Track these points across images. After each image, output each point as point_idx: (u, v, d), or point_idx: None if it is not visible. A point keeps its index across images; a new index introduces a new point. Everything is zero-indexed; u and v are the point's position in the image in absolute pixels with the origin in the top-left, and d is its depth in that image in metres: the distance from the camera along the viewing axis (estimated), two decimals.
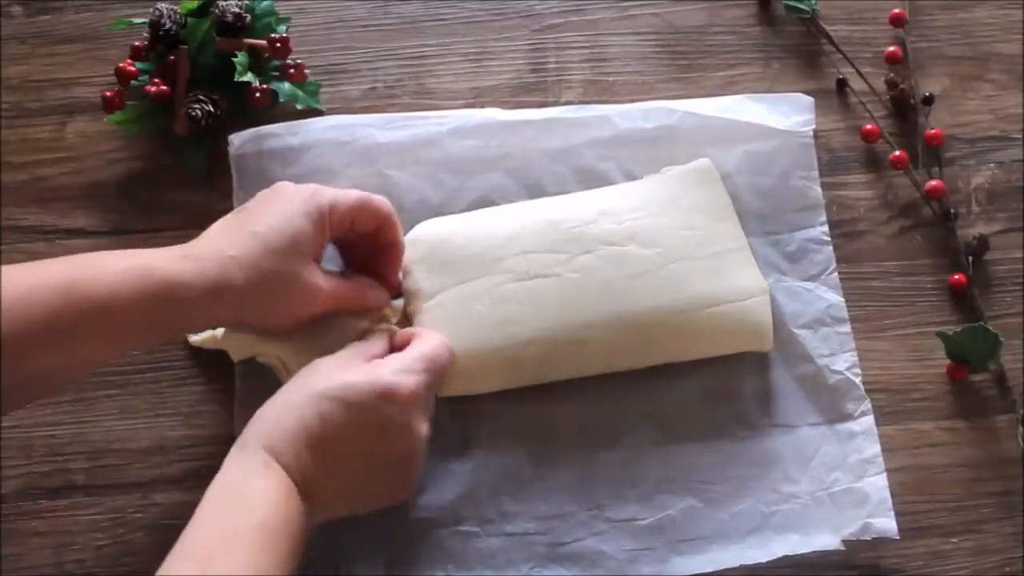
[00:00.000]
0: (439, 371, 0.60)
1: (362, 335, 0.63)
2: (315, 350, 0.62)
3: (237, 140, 0.69)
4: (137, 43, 0.72)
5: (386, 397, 0.55)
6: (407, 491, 0.59)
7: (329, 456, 0.54)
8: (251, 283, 0.55)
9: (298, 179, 0.68)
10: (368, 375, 0.56)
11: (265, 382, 0.64)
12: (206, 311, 0.55)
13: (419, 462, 0.58)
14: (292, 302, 0.58)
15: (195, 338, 0.65)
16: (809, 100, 0.71)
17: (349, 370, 0.56)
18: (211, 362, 0.66)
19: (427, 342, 0.60)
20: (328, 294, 0.59)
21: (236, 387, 0.65)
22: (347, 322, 0.63)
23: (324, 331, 0.63)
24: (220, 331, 0.64)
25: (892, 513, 0.62)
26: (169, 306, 0.53)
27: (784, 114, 0.71)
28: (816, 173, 0.70)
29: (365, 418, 0.55)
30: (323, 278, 0.59)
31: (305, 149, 0.69)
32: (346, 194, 0.60)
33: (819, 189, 0.70)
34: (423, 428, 0.57)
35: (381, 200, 0.62)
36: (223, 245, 0.56)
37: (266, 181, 0.68)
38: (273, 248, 0.56)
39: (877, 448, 0.64)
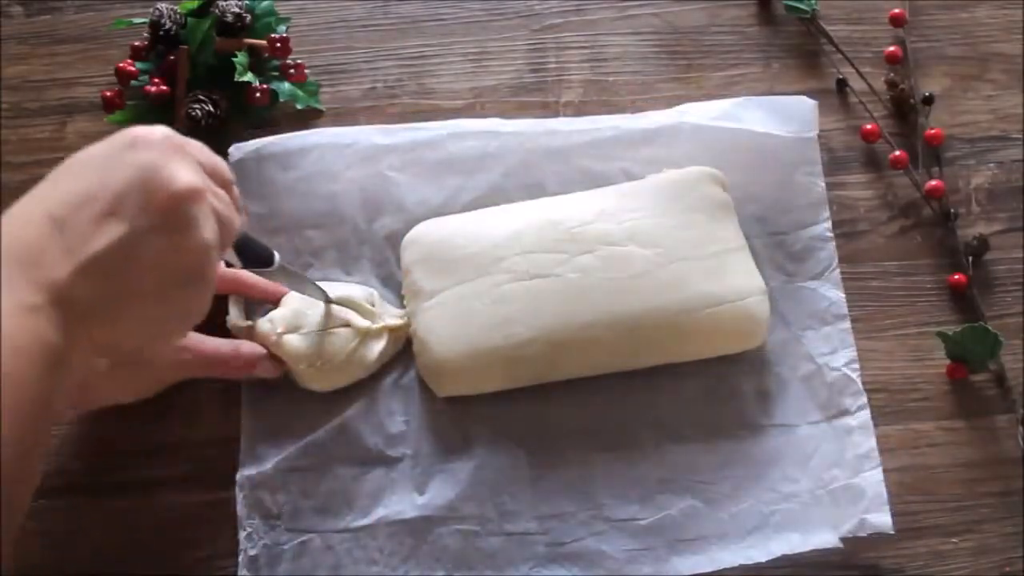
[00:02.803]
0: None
1: (365, 338, 0.64)
2: (321, 356, 0.63)
3: (237, 153, 0.68)
4: (137, 43, 0.72)
5: (131, 142, 0.47)
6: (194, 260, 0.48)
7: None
8: (114, 364, 0.56)
9: (299, 182, 0.68)
10: None
11: (268, 382, 0.65)
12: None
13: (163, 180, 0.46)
14: (156, 375, 0.60)
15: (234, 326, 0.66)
16: (812, 104, 0.70)
17: None
18: None
19: None
20: (193, 361, 0.60)
21: (243, 388, 0.65)
22: (352, 326, 0.64)
23: (329, 335, 0.63)
24: (244, 323, 0.65)
25: (888, 508, 0.62)
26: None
27: (787, 120, 0.70)
28: (820, 168, 0.70)
29: (107, 172, 0.46)
30: (190, 343, 0.60)
31: (306, 152, 0.69)
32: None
33: (823, 184, 0.69)
34: (189, 178, 0.46)
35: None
36: None
37: (267, 185, 0.68)
38: None
39: (873, 442, 0.64)
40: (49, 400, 0.44)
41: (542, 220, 0.65)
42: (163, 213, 0.46)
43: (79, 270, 0.45)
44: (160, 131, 0.48)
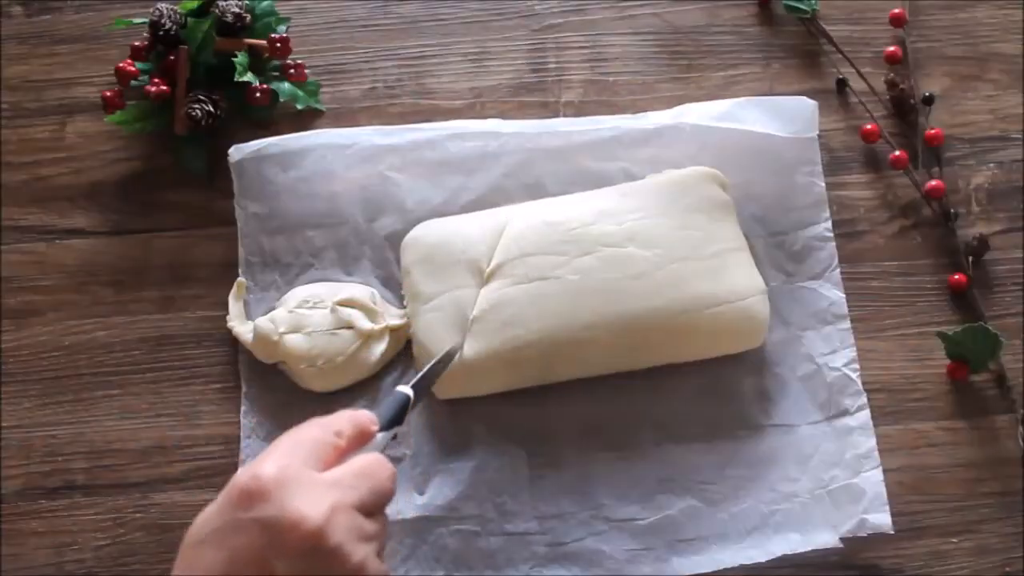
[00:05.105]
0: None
1: (367, 340, 0.64)
2: (322, 356, 0.64)
3: (237, 154, 0.69)
4: (137, 43, 0.72)
5: (242, 499, 0.42)
6: None
7: None
8: None
9: (299, 182, 0.68)
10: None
11: (268, 382, 0.65)
12: None
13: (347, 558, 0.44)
14: None
15: (233, 326, 0.66)
16: (812, 104, 0.70)
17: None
18: (211, 362, 0.66)
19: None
20: None
21: (243, 388, 0.65)
22: (355, 328, 0.64)
23: (331, 336, 0.64)
24: (250, 335, 0.65)
25: (887, 508, 0.62)
26: None
27: (787, 120, 0.69)
28: (820, 168, 0.70)
29: (233, 542, 0.42)
30: None
31: (306, 152, 0.69)
32: None
33: (823, 184, 0.69)
34: (315, 510, 0.42)
35: None
36: None
37: (267, 185, 0.68)
38: None
39: (873, 442, 0.64)
40: None
41: (542, 221, 0.65)
42: (306, 557, 0.42)
43: None
44: (267, 471, 0.43)
